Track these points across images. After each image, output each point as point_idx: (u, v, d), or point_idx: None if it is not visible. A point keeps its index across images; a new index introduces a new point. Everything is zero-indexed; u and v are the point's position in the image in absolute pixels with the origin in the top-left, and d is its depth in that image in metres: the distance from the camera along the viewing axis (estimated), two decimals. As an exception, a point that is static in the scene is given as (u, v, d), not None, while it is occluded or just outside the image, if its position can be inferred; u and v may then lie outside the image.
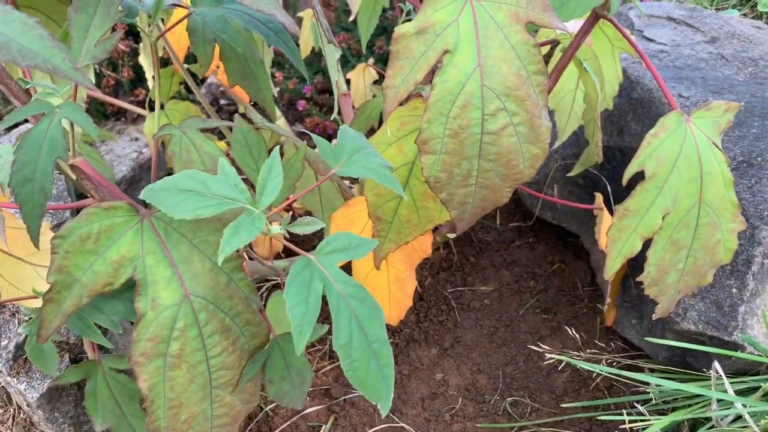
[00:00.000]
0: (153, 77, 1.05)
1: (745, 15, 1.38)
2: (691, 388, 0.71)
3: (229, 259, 0.59)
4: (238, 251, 0.61)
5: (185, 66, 0.94)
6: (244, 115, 0.85)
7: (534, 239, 1.22)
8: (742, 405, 0.70)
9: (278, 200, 0.68)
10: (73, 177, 0.63)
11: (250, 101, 0.93)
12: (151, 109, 1.02)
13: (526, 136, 0.62)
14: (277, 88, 1.31)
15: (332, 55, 0.69)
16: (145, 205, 0.58)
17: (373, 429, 0.95)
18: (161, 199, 0.52)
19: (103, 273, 0.54)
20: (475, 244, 1.21)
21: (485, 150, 0.63)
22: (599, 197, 0.89)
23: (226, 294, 0.59)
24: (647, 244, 0.65)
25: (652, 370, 0.94)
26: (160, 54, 0.98)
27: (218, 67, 0.91)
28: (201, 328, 0.57)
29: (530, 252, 1.20)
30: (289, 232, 0.56)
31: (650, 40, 1.09)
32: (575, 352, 1.00)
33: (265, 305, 0.81)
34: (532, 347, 1.03)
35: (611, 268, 0.63)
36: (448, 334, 1.08)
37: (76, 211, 1.01)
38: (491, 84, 0.60)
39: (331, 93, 1.33)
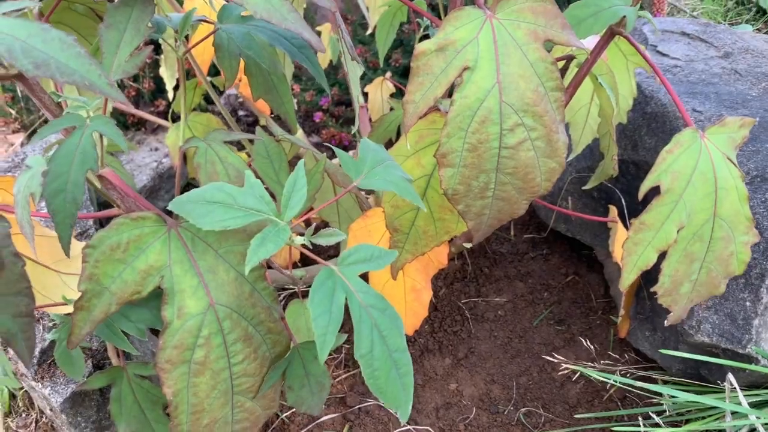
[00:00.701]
0: (174, 89, 1.08)
1: (758, 30, 1.38)
2: (706, 399, 0.71)
3: (253, 269, 0.60)
4: (261, 261, 0.62)
5: (208, 79, 0.97)
6: (264, 128, 0.87)
7: (548, 251, 1.23)
8: (756, 417, 0.71)
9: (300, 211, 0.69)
10: (99, 186, 0.64)
11: (271, 113, 0.95)
12: (173, 120, 1.04)
13: (543, 151, 0.64)
14: (295, 100, 1.33)
15: (355, 72, 0.71)
16: (171, 215, 0.59)
17: (388, 437, 0.96)
18: (189, 210, 0.54)
19: (131, 282, 0.56)
20: (490, 256, 1.22)
21: (503, 164, 0.64)
22: (613, 210, 0.90)
23: (249, 303, 0.60)
24: (661, 255, 0.66)
25: (665, 382, 0.94)
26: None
27: (240, 80, 0.93)
28: (225, 336, 0.59)
29: (544, 264, 1.21)
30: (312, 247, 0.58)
31: (664, 55, 1.10)
32: (589, 363, 1.01)
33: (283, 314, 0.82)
34: (546, 358, 1.04)
35: (627, 279, 0.65)
36: (462, 344, 1.09)
37: (99, 221, 1.03)
38: (510, 100, 0.61)
39: (348, 105, 1.35)
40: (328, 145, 0.61)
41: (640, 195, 0.62)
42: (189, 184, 1.17)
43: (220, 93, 1.40)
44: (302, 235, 0.56)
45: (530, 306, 1.14)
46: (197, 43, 0.66)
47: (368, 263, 0.56)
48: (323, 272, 0.53)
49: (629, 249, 0.63)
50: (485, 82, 0.61)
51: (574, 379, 1.02)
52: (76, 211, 0.56)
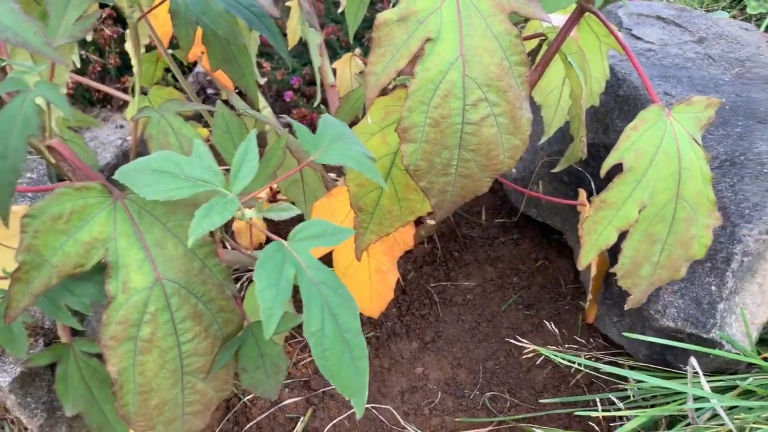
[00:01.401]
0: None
1: (734, 17, 1.38)
2: (670, 384, 0.71)
3: (203, 244, 0.58)
4: (213, 236, 0.60)
5: (170, 51, 0.94)
6: (226, 102, 0.84)
7: (518, 236, 1.21)
8: (718, 401, 0.70)
9: (257, 187, 0.67)
10: (52, 160, 0.62)
11: (235, 88, 0.93)
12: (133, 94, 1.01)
13: (506, 127, 0.62)
14: (265, 79, 1.30)
15: (314, 40, 0.68)
16: (121, 187, 0.57)
17: (352, 422, 0.94)
18: (134, 179, 0.51)
19: (74, 254, 0.54)
20: (460, 240, 1.21)
21: (466, 140, 0.63)
22: (583, 193, 0.89)
23: (199, 279, 0.58)
24: (622, 236, 0.64)
25: (632, 368, 0.93)
26: (147, 41, 0.97)
27: (203, 53, 0.90)
28: (173, 313, 0.57)
29: (514, 248, 1.20)
30: (270, 225, 0.55)
31: (638, 38, 1.09)
32: (555, 348, 1.00)
33: (244, 295, 0.80)
34: (513, 342, 1.03)
35: (585, 259, 0.63)
36: (429, 328, 1.08)
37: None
38: (473, 74, 0.59)
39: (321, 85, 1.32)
40: (290, 120, 0.59)
41: (603, 173, 0.61)
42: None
43: (189, 70, 1.37)
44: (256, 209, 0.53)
45: (499, 290, 1.13)
46: (151, 9, 0.63)
47: (321, 239, 0.54)
48: (272, 246, 0.51)
49: (589, 228, 0.61)
50: (448, 54, 0.59)
51: (540, 363, 1.01)
52: (15, 179, 0.53)
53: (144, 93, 0.94)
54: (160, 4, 0.65)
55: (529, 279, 1.15)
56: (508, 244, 1.21)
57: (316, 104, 0.86)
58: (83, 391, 0.67)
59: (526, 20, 1.15)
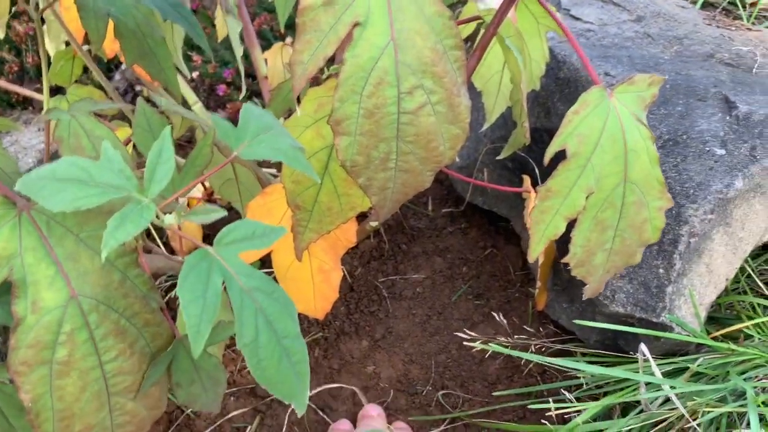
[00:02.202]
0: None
1: (670, -4, 1.38)
2: (617, 372, 0.69)
3: (122, 254, 0.53)
4: (135, 245, 0.55)
5: (87, 47, 0.88)
6: (149, 99, 0.79)
7: (466, 225, 1.19)
8: (670, 387, 0.69)
9: (180, 188, 0.62)
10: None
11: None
12: (54, 94, 0.95)
13: (445, 116, 0.59)
14: (197, 72, 1.24)
15: (234, 29, 0.64)
16: (28, 197, 0.52)
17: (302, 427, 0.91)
18: (38, 189, 0.46)
19: (-27, 274, 0.48)
20: (407, 232, 1.18)
21: (403, 131, 0.59)
22: (527, 180, 0.87)
23: (120, 293, 0.53)
24: (571, 224, 0.62)
25: (584, 354, 0.92)
26: (66, 36, 0.91)
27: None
28: (92, 331, 0.52)
29: (463, 238, 1.17)
30: (206, 229, 0.51)
31: (577, 18, 1.07)
32: (503, 339, 0.98)
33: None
34: (461, 335, 1.00)
35: (535, 251, 0.61)
36: (379, 324, 1.04)
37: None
38: (406, 59, 0.56)
39: (254, 77, 1.27)
40: (212, 115, 0.54)
41: (546, 160, 0.58)
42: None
43: (116, 66, 1.30)
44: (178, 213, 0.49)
45: (449, 281, 1.11)
46: (54, 1, 0.58)
47: (250, 241, 0.50)
48: (195, 254, 0.47)
49: (536, 218, 0.59)
50: (379, 39, 0.55)
51: (493, 354, 0.99)
52: None
53: (63, 93, 0.87)
54: (65, -6, 0.60)
55: (478, 268, 1.13)
56: (456, 233, 1.18)
57: (242, 96, 0.81)
58: None
59: (464, 3, 1.12)
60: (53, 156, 0.82)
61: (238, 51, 0.65)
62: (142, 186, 0.48)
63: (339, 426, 0.86)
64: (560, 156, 0.60)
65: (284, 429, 0.90)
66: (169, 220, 0.48)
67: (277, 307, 0.51)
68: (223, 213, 0.51)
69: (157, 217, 0.48)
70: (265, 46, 1.26)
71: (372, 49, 0.55)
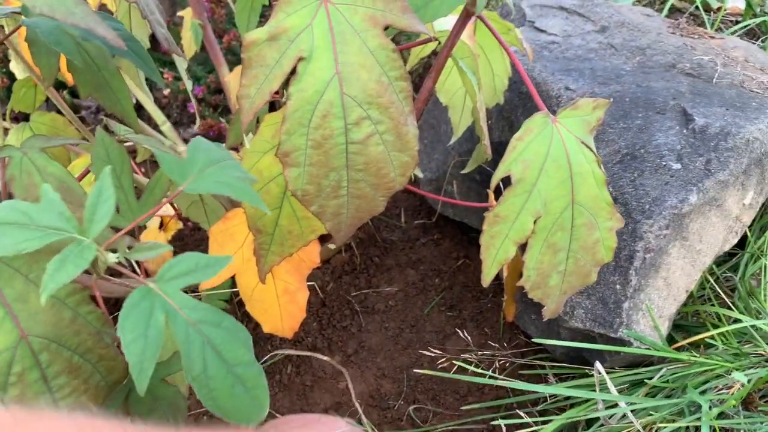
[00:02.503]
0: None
1: (638, 1, 1.39)
2: (572, 391, 0.70)
3: (72, 293, 0.54)
4: (87, 283, 0.56)
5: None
6: (106, 127, 0.79)
7: (439, 236, 1.20)
8: (626, 404, 0.70)
9: (137, 215, 0.63)
10: None
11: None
12: (16, 120, 0.95)
13: (393, 144, 0.60)
14: (168, 90, 1.25)
15: (181, 65, 0.64)
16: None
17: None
18: (-20, 234, 0.47)
19: None
20: (380, 244, 1.19)
21: (352, 160, 0.60)
22: (491, 195, 0.88)
23: (71, 330, 0.54)
24: (523, 248, 0.63)
25: (552, 367, 0.93)
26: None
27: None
28: (44, 371, 0.53)
29: (435, 249, 1.18)
30: (181, 247, 0.52)
31: (542, 30, 1.08)
32: (471, 354, 0.99)
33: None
34: (428, 353, 1.01)
35: (488, 275, 0.62)
36: (352, 339, 1.05)
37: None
38: (351, 92, 0.57)
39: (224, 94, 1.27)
40: (155, 150, 0.55)
41: (492, 185, 0.59)
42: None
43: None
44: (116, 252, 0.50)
45: (422, 293, 1.12)
46: (7, 36, 0.58)
47: (194, 274, 0.51)
48: (136, 292, 0.48)
49: (486, 243, 0.60)
50: (323, 73, 0.56)
51: (463, 366, 1.00)
52: None
53: (26, 119, 0.88)
54: (14, 32, 0.60)
55: (451, 279, 1.13)
56: (429, 245, 1.19)
57: (195, 126, 0.82)
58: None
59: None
60: (9, 194, 0.82)
61: (188, 85, 0.66)
62: (83, 227, 0.48)
63: None
64: (505, 180, 0.61)
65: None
66: (112, 258, 0.49)
67: (226, 337, 0.52)
68: (167, 248, 0.52)
69: (101, 255, 0.49)
70: (235, 61, 1.26)
71: (317, 83, 0.56)
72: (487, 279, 0.62)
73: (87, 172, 0.75)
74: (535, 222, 0.61)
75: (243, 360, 0.52)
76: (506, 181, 0.64)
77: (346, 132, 0.58)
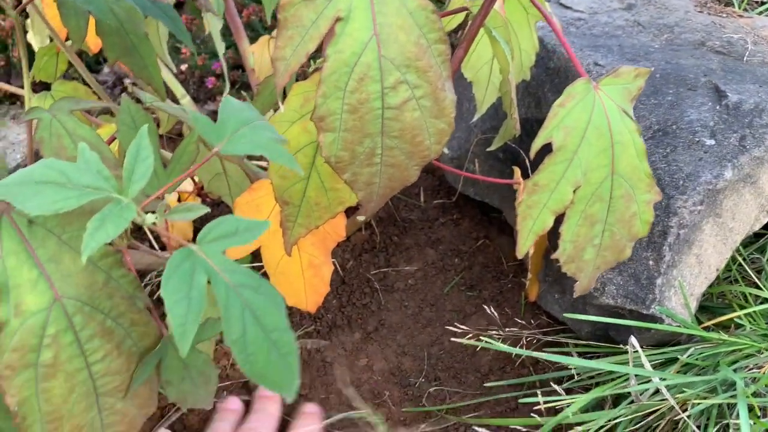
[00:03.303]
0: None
1: (662, -18, 1.37)
2: (606, 365, 0.69)
3: (105, 255, 0.53)
4: (115, 244, 0.55)
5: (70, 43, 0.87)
6: (132, 94, 0.78)
7: (458, 216, 1.19)
8: (660, 379, 0.69)
9: (164, 183, 0.62)
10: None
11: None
12: (36, 90, 0.94)
13: (430, 110, 0.59)
14: (185, 65, 1.23)
15: (215, 26, 0.63)
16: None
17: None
18: (16, 193, 0.46)
19: (-45, 278, 0.48)
20: (399, 224, 1.17)
21: (388, 126, 0.59)
22: (517, 171, 0.86)
23: (105, 293, 0.53)
24: (559, 219, 0.62)
25: (576, 345, 0.92)
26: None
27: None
28: (77, 333, 0.52)
29: (455, 229, 1.17)
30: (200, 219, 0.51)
31: (567, 7, 1.06)
32: (497, 331, 0.98)
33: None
34: (452, 328, 1.00)
35: (523, 246, 0.61)
36: (371, 317, 1.04)
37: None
38: (389, 54, 0.55)
39: (244, 69, 1.26)
40: (189, 111, 0.54)
41: (532, 154, 0.58)
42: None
43: (105, 59, 1.29)
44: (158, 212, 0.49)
45: (441, 273, 1.11)
46: (29, 1, 0.57)
47: (234, 238, 0.50)
48: (178, 253, 0.47)
49: (524, 213, 0.59)
50: (361, 34, 0.55)
51: (485, 346, 0.99)
52: None
53: (48, 89, 0.87)
54: (43, -8, 0.59)
55: (471, 259, 1.12)
56: (448, 224, 1.18)
57: (225, 93, 0.81)
58: (-13, 422, 0.61)
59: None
60: (36, 156, 0.82)
61: (220, 48, 0.65)
62: (122, 186, 0.47)
63: (227, 405, 0.88)
64: (547, 149, 0.60)
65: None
66: (150, 219, 0.48)
67: (264, 302, 0.51)
68: (206, 210, 0.51)
69: (139, 216, 0.48)
70: (254, 37, 1.25)
71: (355, 44, 0.55)
72: (522, 250, 0.61)
73: (112, 139, 0.74)
74: (574, 192, 0.60)
75: (279, 326, 0.51)
76: (537, 159, 0.63)
77: (383, 96, 0.57)
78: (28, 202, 0.45)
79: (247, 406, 0.90)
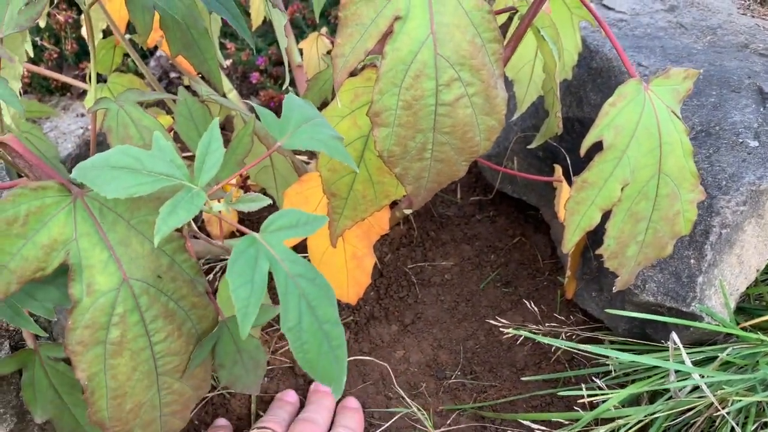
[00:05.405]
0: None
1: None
2: (648, 359, 0.70)
3: (170, 240, 0.56)
4: (181, 231, 0.58)
5: (128, 37, 0.90)
6: (188, 87, 0.81)
7: (495, 213, 1.20)
8: (699, 375, 0.70)
9: (223, 176, 0.65)
10: (8, 158, 0.59)
11: (198, 73, 0.89)
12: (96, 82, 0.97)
13: (481, 107, 0.60)
14: (230, 60, 1.26)
15: (279, 21, 0.65)
16: (80, 184, 0.54)
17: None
18: (93, 177, 0.48)
19: (33, 258, 0.51)
20: (436, 219, 1.19)
21: (440, 122, 0.61)
22: (558, 169, 0.88)
23: (168, 276, 0.56)
24: (605, 216, 0.63)
25: (612, 342, 0.93)
26: (104, 25, 0.93)
27: (162, 38, 0.86)
28: (143, 314, 0.54)
29: (491, 226, 1.19)
30: (241, 213, 0.53)
31: (609, 8, 1.07)
32: (534, 326, 1.00)
33: (217, 287, 0.78)
34: (492, 322, 1.02)
35: (570, 241, 0.62)
36: (408, 310, 1.06)
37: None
38: (445, 52, 0.57)
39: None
40: (255, 105, 0.56)
41: (583, 151, 0.59)
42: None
43: (151, 53, 1.32)
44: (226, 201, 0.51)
45: (477, 269, 1.12)
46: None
47: (295, 229, 0.52)
48: (244, 240, 0.49)
49: (572, 209, 0.60)
50: (418, 32, 0.56)
51: (521, 341, 1.00)
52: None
53: (103, 81, 0.90)
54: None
55: (507, 256, 1.14)
56: (485, 221, 1.19)
57: (284, 87, 0.83)
58: (52, 396, 0.64)
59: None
60: (99, 144, 0.85)
61: (283, 43, 0.67)
62: (191, 175, 0.50)
63: (285, 397, 0.90)
64: (592, 148, 0.61)
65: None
66: (218, 207, 0.50)
67: (319, 293, 0.53)
68: (268, 201, 0.53)
69: (207, 204, 0.50)
70: (298, 34, 1.27)
71: (412, 42, 0.57)
72: (568, 245, 0.62)
73: (169, 130, 0.76)
74: (621, 190, 0.61)
75: (331, 318, 0.53)
76: (578, 157, 0.64)
77: (437, 93, 0.59)
78: (106, 185, 0.47)
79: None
